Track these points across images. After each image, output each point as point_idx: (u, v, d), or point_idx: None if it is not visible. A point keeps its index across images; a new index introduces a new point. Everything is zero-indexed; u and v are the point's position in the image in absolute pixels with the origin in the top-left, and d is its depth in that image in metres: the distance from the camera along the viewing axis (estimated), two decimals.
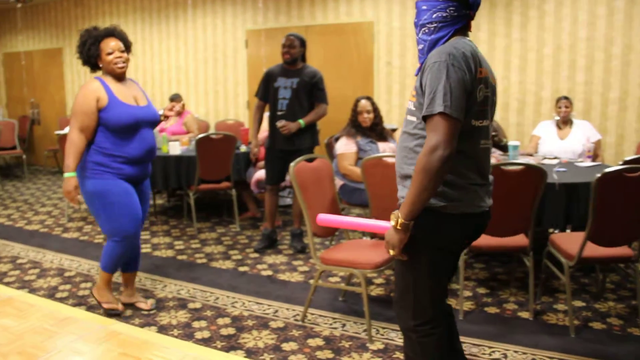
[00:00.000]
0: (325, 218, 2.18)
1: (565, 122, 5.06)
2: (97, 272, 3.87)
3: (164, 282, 3.86)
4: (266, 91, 4.37)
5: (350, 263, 2.99)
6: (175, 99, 6.35)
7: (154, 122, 3.20)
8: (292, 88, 4.24)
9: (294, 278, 3.95)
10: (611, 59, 5.44)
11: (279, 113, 4.28)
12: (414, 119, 1.85)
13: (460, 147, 1.77)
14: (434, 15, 1.82)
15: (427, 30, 1.85)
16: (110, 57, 3.03)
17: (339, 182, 4.50)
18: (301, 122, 4.24)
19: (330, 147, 4.89)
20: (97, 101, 2.96)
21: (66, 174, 2.94)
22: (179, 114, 3.42)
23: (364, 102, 4.39)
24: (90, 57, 3.07)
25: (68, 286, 3.81)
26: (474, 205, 1.86)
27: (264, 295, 3.62)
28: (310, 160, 3.27)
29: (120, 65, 3.06)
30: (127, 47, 3.16)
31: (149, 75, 7.99)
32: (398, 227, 1.79)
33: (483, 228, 1.98)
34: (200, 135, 4.89)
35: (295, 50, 4.24)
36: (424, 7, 1.85)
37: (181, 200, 6.45)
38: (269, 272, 4.06)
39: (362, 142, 4.33)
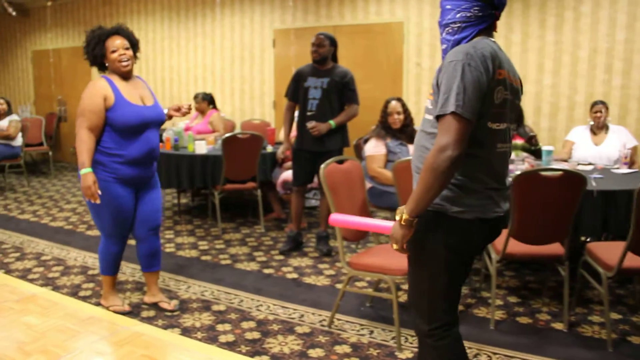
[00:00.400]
0: (338, 218, 2.13)
1: (600, 128, 4.89)
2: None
3: (187, 283, 3.81)
4: (296, 91, 4.30)
5: (380, 269, 2.90)
6: (195, 98, 6.31)
7: (159, 122, 3.16)
8: (323, 88, 4.16)
9: (320, 282, 3.86)
10: None
11: (309, 113, 4.20)
12: (430, 117, 1.83)
13: (475, 151, 1.76)
14: (458, 15, 1.79)
15: (450, 30, 1.82)
16: (115, 55, 2.99)
17: (367, 184, 4.40)
18: (332, 123, 4.16)
19: (358, 149, 4.79)
20: (105, 100, 2.93)
21: (82, 171, 2.92)
22: (185, 114, 3.34)
23: (394, 103, 4.29)
24: (96, 56, 3.04)
25: (91, 285, 3.78)
26: (490, 210, 1.83)
27: (290, 298, 3.55)
28: (341, 161, 3.19)
29: (125, 63, 3.02)
30: (133, 45, 3.12)
31: (175, 73, 7.99)
32: (402, 223, 1.78)
33: (497, 233, 1.95)
34: (227, 135, 4.84)
35: (324, 50, 4.16)
36: (448, 7, 1.83)
37: (205, 200, 6.42)
38: (295, 275, 3.99)
39: (392, 144, 4.24)
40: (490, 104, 1.74)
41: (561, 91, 5.66)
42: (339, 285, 3.79)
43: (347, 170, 3.17)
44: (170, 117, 3.31)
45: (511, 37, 5.75)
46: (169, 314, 3.29)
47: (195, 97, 6.25)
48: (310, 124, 4.12)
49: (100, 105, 2.92)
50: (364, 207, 3.23)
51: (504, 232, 3.30)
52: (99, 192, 2.95)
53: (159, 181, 5.11)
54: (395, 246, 1.85)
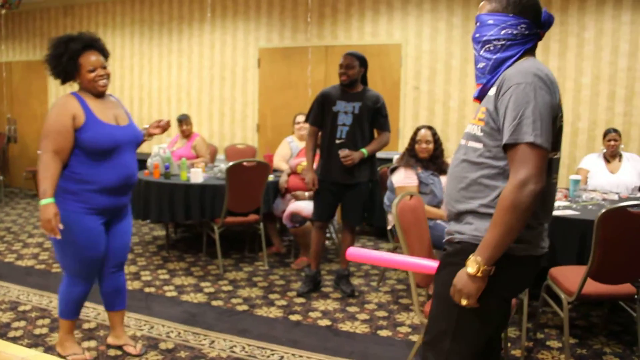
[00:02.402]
0: (356, 252, 1.93)
1: (613, 156, 4.83)
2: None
3: (208, 337, 3.28)
4: (320, 116, 3.88)
5: None
6: (183, 120, 5.80)
7: (136, 143, 2.84)
8: (354, 113, 3.78)
9: (357, 329, 3.45)
10: None
11: (338, 141, 3.79)
12: (479, 145, 1.67)
13: None
14: (502, 32, 1.67)
15: (492, 48, 1.68)
16: (92, 75, 2.67)
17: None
18: (364, 151, 3.78)
19: (383, 178, 4.41)
20: (74, 119, 2.61)
21: (43, 201, 2.55)
22: (165, 129, 3.00)
23: (423, 132, 4.00)
24: (68, 73, 2.69)
25: (92, 343, 3.18)
26: (538, 246, 1.70)
27: (334, 352, 3.11)
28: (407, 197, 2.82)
29: (102, 83, 2.72)
30: (106, 57, 2.79)
31: (146, 92, 7.36)
32: (479, 275, 1.58)
33: (539, 271, 1.79)
34: (232, 163, 4.37)
35: (354, 72, 3.79)
36: (490, 22, 1.68)
37: (189, 232, 5.85)
38: (327, 322, 3.55)
39: (424, 175, 3.92)
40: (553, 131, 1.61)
41: (564, 118, 5.54)
42: (381, 332, 3.39)
43: (414, 208, 2.80)
44: (150, 135, 2.98)
45: None
46: None
47: (183, 119, 5.71)
48: (343, 153, 3.72)
49: (68, 125, 2.60)
50: (430, 248, 2.87)
51: (577, 271, 3.06)
52: (61, 226, 2.58)
53: (148, 213, 4.67)
54: (465, 302, 1.63)
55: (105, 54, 2.78)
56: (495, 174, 1.63)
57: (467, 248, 1.66)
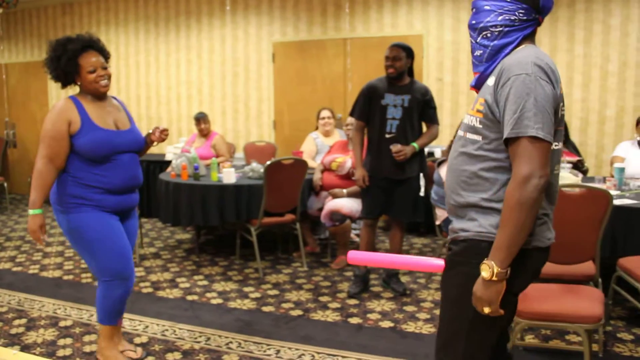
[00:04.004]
0: (357, 256, 1.87)
1: None
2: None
3: (272, 346, 3.13)
4: (367, 109, 3.74)
5: (564, 316, 2.44)
6: (201, 118, 5.61)
7: (136, 148, 2.75)
8: (403, 107, 3.64)
9: (423, 329, 3.33)
10: None
11: (388, 136, 3.66)
12: (478, 137, 1.62)
13: None
14: (500, 18, 1.61)
15: (489, 35, 1.63)
16: (93, 76, 2.64)
17: (443, 213, 3.95)
18: (415, 145, 3.65)
19: (429, 172, 4.28)
20: (69, 125, 2.59)
21: (31, 211, 2.58)
22: (162, 140, 2.85)
23: None
24: (68, 74, 2.65)
25: (150, 358, 3.00)
26: (545, 237, 1.65)
27: (409, 355, 2.99)
28: None
29: (104, 83, 2.68)
30: (107, 59, 2.73)
31: (153, 91, 7.11)
32: (494, 279, 1.52)
33: (544, 263, 1.73)
34: (270, 161, 4.20)
35: (401, 63, 3.66)
36: (487, 7, 1.63)
37: (212, 234, 5.67)
38: (389, 323, 3.42)
39: None
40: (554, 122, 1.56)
41: (591, 105, 5.52)
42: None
43: None
44: (152, 141, 2.85)
45: None
46: None
47: (201, 117, 5.52)
48: (396, 148, 3.58)
49: (63, 131, 2.57)
50: None
51: None
52: (46, 237, 2.64)
53: (178, 217, 4.48)
54: (487, 309, 1.56)
55: (105, 54, 2.73)
56: (495, 166, 1.59)
57: (472, 245, 1.62)
